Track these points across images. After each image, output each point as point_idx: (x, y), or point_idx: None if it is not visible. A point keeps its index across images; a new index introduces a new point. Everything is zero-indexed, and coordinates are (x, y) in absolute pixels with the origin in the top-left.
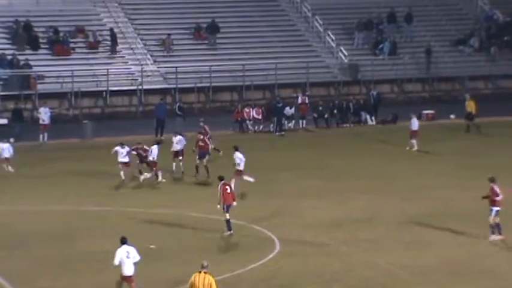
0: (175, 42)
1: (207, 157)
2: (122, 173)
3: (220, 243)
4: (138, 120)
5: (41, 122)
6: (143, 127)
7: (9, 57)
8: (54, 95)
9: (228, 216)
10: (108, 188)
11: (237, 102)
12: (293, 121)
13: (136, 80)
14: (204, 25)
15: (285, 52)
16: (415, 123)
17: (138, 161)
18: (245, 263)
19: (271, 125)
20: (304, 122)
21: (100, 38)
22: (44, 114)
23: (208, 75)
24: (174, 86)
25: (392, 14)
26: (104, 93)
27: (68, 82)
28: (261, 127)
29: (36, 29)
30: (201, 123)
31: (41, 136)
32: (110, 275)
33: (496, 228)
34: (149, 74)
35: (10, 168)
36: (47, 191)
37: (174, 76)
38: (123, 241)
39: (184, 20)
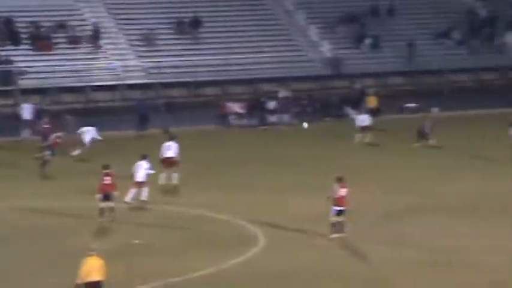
0: (158, 36)
1: None
2: None
3: None
4: None
5: None
6: None
7: None
8: None
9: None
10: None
11: None
12: None
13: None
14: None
15: (264, 46)
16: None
17: None
18: None
19: None
20: None
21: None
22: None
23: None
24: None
25: (376, 7)
26: None
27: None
28: None
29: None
30: None
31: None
32: None
33: None
34: (132, 69)
35: None
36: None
37: (155, 71)
38: (144, 157)
39: (167, 14)
